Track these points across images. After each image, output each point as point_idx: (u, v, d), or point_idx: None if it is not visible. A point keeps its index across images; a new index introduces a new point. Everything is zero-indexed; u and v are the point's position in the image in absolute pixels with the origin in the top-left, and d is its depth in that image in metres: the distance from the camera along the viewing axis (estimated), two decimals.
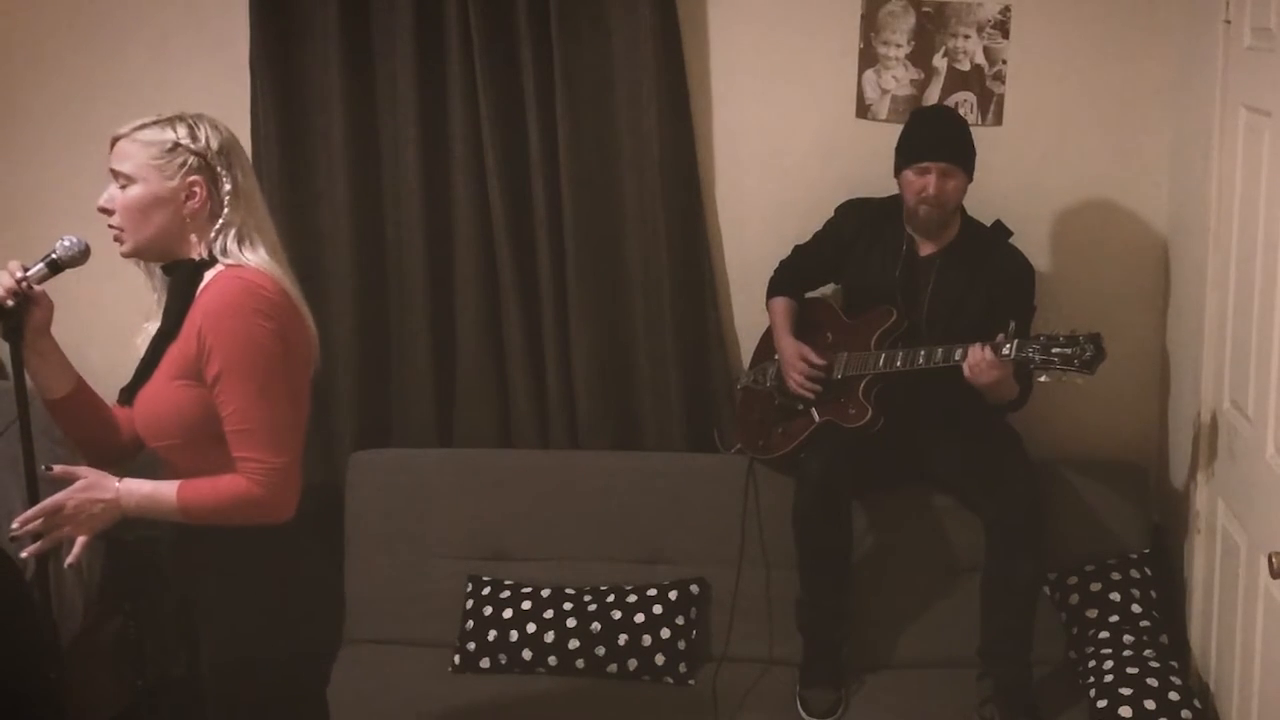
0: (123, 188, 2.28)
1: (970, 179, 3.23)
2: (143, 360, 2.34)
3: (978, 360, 2.99)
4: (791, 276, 3.50)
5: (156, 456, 2.40)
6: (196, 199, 2.29)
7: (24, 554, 2.27)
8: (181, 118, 2.31)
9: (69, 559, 2.26)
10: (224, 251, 2.30)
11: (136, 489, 2.27)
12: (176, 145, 2.28)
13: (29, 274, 2.26)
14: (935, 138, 3.20)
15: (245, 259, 2.30)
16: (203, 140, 2.30)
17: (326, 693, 2.49)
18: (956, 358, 3.07)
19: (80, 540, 2.27)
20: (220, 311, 2.23)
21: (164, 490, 2.27)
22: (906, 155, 3.22)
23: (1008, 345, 2.96)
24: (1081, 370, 2.87)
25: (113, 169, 2.29)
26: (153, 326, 2.38)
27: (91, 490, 2.26)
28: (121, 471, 2.34)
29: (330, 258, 3.71)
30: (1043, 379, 2.92)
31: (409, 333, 3.76)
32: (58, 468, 2.27)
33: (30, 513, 2.24)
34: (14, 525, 2.25)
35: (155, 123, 2.30)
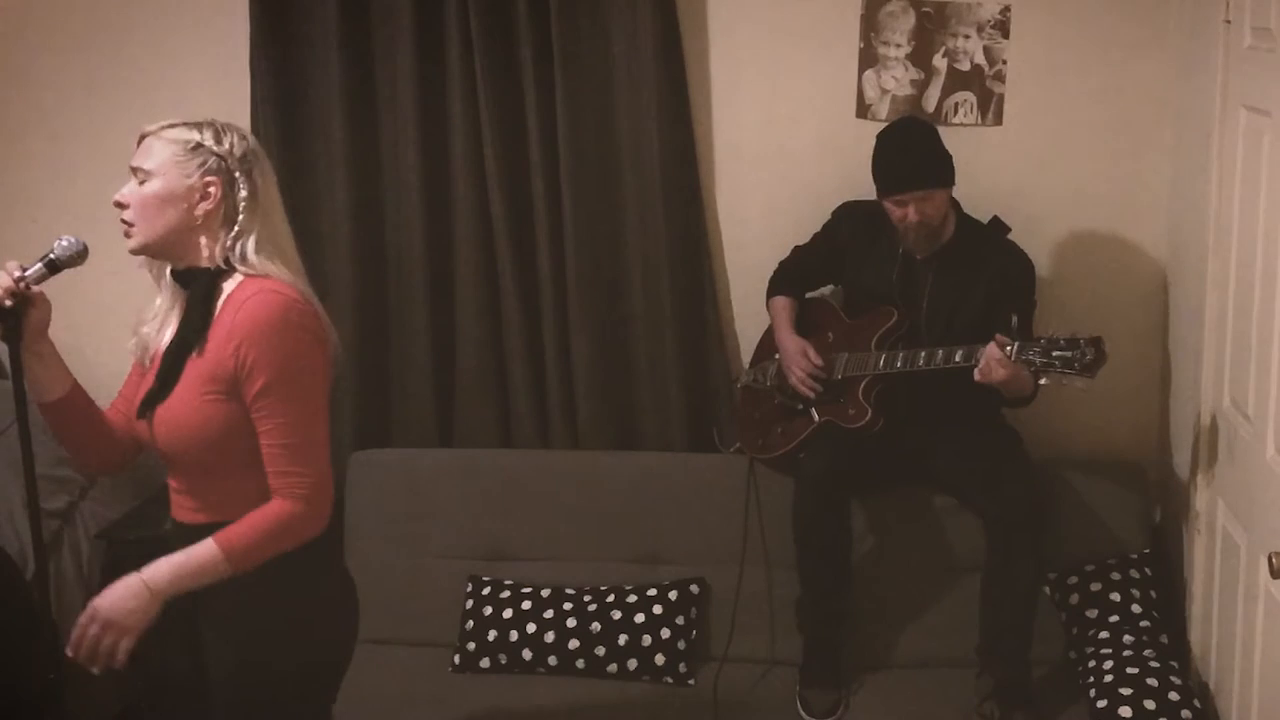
0: (141, 183, 2.28)
1: (952, 185, 3.21)
2: (162, 371, 2.31)
3: (987, 361, 2.97)
4: (791, 276, 3.50)
5: (165, 462, 2.39)
6: (210, 200, 2.28)
7: (92, 669, 2.26)
8: (211, 123, 2.32)
9: (118, 659, 2.25)
10: (243, 259, 2.29)
11: (162, 565, 2.25)
12: (199, 145, 2.28)
13: (27, 274, 2.25)
14: (904, 168, 3.17)
15: (269, 269, 2.29)
16: (226, 145, 2.30)
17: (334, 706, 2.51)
18: (957, 359, 3.07)
19: (125, 645, 2.25)
20: (263, 329, 2.22)
21: (198, 551, 2.24)
22: (881, 187, 3.21)
23: (1010, 345, 2.95)
24: (1082, 374, 2.86)
25: (133, 164, 2.28)
26: (152, 329, 2.37)
27: (116, 589, 2.24)
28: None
29: (330, 258, 3.70)
30: (1043, 382, 2.91)
31: (409, 333, 3.76)
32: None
33: (76, 632, 2.23)
34: (69, 651, 2.25)
35: (185, 124, 2.30)
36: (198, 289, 2.30)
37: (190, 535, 2.33)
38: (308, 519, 2.27)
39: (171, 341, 2.32)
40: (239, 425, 2.26)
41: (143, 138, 2.30)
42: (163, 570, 2.24)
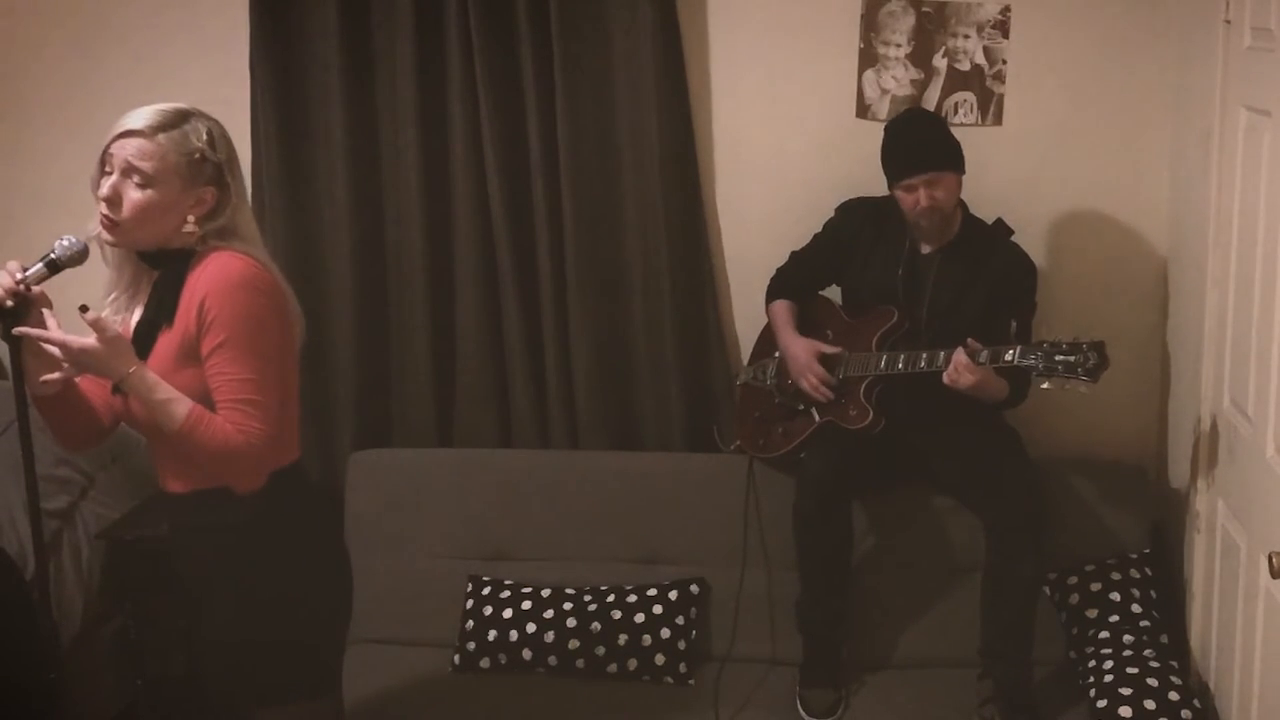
0: (138, 185, 2.28)
1: (962, 173, 3.22)
2: (135, 348, 2.34)
3: (955, 367, 3.00)
4: (791, 283, 3.49)
5: (144, 435, 2.43)
6: (203, 207, 2.34)
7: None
8: (194, 115, 2.34)
9: (48, 377, 2.24)
10: (206, 242, 2.34)
11: (152, 377, 2.26)
12: (203, 159, 2.31)
13: (28, 274, 2.26)
14: (912, 151, 3.18)
15: (230, 245, 2.34)
16: (221, 152, 2.34)
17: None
18: None
19: (60, 372, 2.23)
20: (223, 286, 2.27)
21: (177, 400, 2.26)
22: (891, 174, 3.21)
23: (984, 353, 2.97)
24: (1085, 378, 2.86)
25: (129, 162, 2.28)
26: (120, 305, 2.40)
27: (120, 342, 2.25)
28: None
29: (330, 258, 3.71)
30: (1045, 386, 2.91)
31: (409, 333, 3.76)
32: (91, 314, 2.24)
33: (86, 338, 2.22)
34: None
35: (174, 122, 2.31)
36: (170, 270, 2.34)
37: (177, 504, 2.41)
38: (249, 465, 2.30)
39: (142, 318, 2.37)
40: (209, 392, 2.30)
41: (131, 134, 2.29)
42: (153, 377, 2.26)
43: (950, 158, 3.19)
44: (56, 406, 2.39)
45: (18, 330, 2.23)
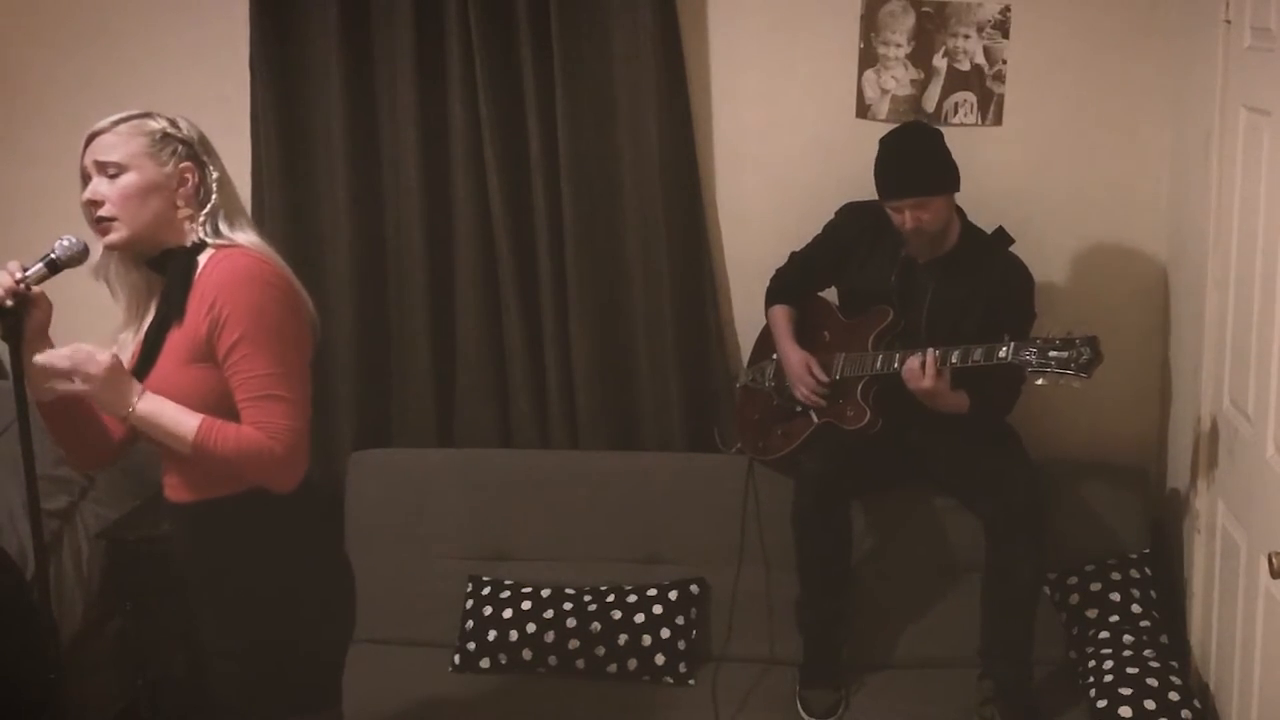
0: (113, 177, 2.30)
1: (952, 191, 3.19)
2: (145, 347, 2.35)
3: (908, 370, 3.04)
4: (790, 284, 3.49)
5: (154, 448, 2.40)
6: (189, 185, 2.34)
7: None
8: (153, 113, 2.37)
9: (41, 356, 2.20)
10: (216, 233, 2.34)
11: (160, 400, 2.24)
12: (166, 134, 2.34)
13: (28, 274, 2.25)
14: (898, 175, 3.16)
15: (237, 239, 2.35)
16: (185, 129, 2.36)
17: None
18: (953, 360, 3.06)
19: (64, 375, 2.19)
20: (235, 283, 2.26)
21: (185, 416, 2.24)
22: (879, 192, 3.21)
23: (945, 364, 3.02)
24: (1078, 373, 2.87)
25: (98, 160, 2.31)
26: (127, 336, 2.41)
27: (121, 375, 2.23)
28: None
29: (330, 258, 3.71)
30: (1040, 382, 2.92)
31: (409, 333, 3.76)
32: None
33: (79, 354, 2.20)
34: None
35: (133, 116, 2.34)
36: (177, 265, 2.34)
37: (181, 513, 2.40)
38: (281, 464, 2.27)
39: (151, 322, 2.37)
40: (221, 391, 2.28)
41: (94, 136, 2.32)
42: (156, 401, 2.25)
43: (937, 182, 3.16)
44: (65, 422, 2.38)
45: (39, 357, 2.20)
